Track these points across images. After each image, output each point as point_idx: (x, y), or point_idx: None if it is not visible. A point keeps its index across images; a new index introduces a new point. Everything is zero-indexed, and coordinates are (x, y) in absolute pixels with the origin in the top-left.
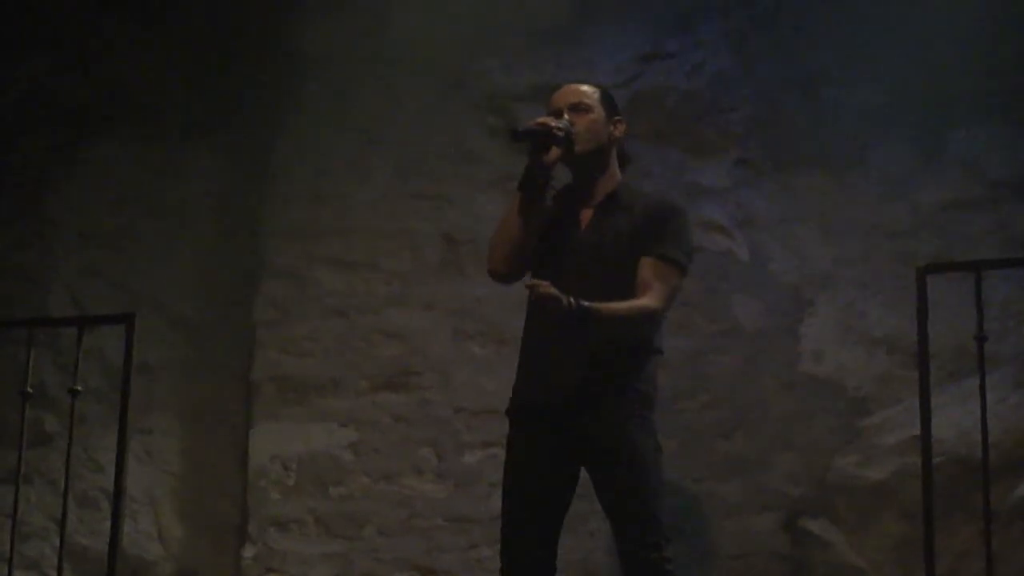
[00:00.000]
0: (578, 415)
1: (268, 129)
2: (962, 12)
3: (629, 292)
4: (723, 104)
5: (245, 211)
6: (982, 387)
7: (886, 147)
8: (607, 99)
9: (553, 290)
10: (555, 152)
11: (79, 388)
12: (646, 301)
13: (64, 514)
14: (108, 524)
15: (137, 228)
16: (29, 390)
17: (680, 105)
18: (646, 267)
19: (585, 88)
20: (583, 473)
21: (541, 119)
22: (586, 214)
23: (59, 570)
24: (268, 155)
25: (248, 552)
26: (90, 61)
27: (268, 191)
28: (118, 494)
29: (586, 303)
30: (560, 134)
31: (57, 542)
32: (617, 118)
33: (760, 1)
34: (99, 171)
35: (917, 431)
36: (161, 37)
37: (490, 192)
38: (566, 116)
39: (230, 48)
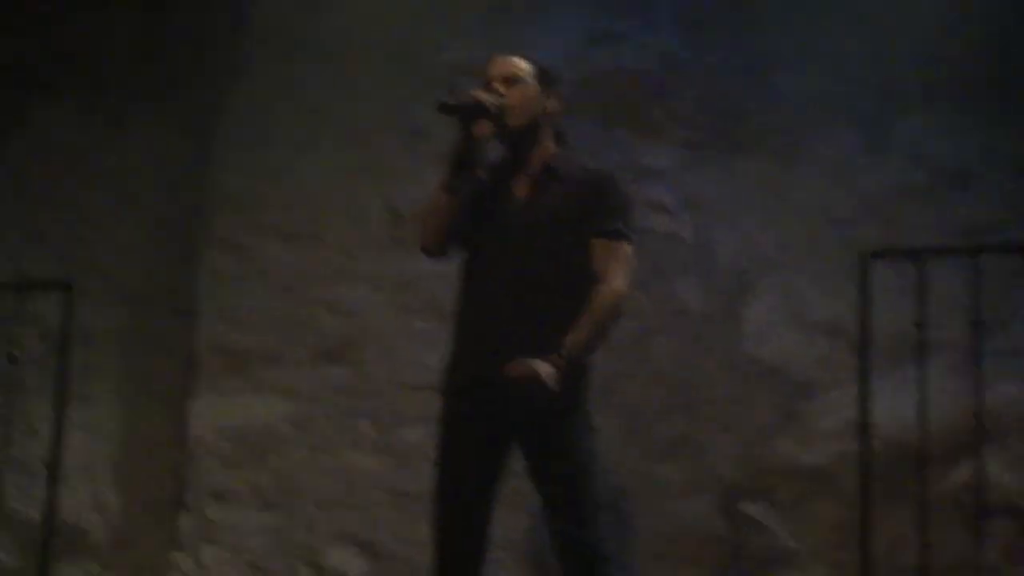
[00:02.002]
0: (509, 391)
1: (215, 99)
2: (909, 1)
3: (564, 264)
4: (671, 86)
5: (190, 181)
6: (922, 374)
7: (832, 133)
8: (541, 73)
9: (531, 371)
10: (485, 126)
11: (16, 353)
12: (609, 290)
13: None
14: (44, 492)
15: (80, 195)
16: None
17: (628, 86)
18: (597, 250)
19: (518, 62)
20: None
21: (471, 92)
22: (520, 187)
23: None
24: (215, 125)
25: (185, 522)
26: (38, 26)
27: (214, 161)
28: (55, 462)
29: (563, 353)
30: (491, 108)
31: None
32: (551, 92)
33: None
34: (43, 137)
35: (856, 416)
36: (108, 3)
37: (437, 167)
38: (498, 88)
39: (177, 16)
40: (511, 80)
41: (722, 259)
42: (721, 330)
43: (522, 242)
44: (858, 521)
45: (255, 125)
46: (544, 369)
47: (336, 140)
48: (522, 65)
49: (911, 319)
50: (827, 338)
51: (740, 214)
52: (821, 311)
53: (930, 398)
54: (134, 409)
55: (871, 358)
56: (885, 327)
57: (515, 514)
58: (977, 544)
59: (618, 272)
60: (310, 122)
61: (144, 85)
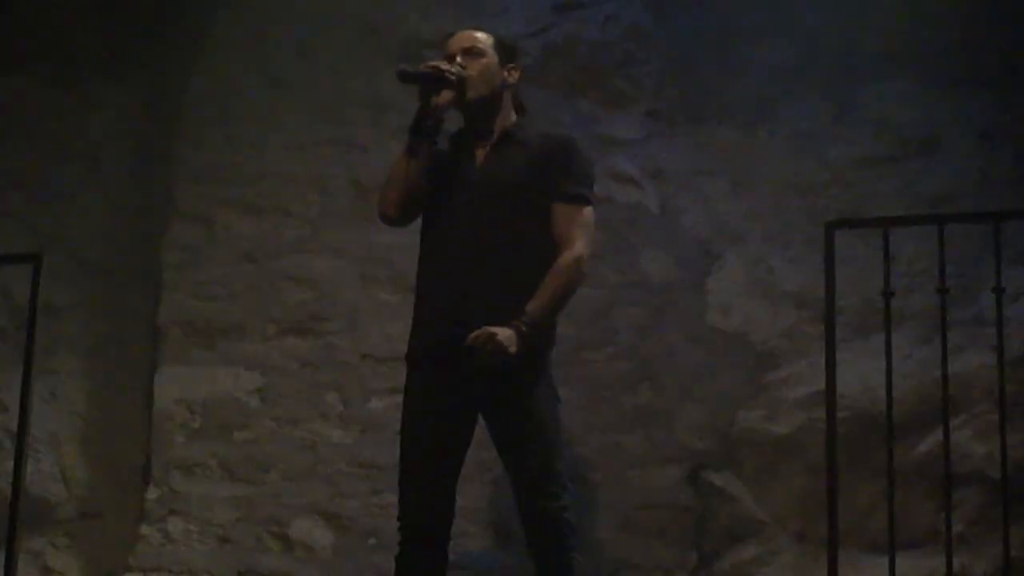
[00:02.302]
0: (473, 360)
1: (180, 71)
2: None
3: (524, 228)
4: (636, 56)
5: (156, 153)
6: (888, 343)
7: (797, 103)
8: (501, 45)
9: (491, 337)
10: (445, 95)
11: None
12: (573, 255)
13: None
14: (11, 464)
15: (47, 168)
16: None
17: (593, 56)
18: (559, 215)
19: (478, 34)
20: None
21: (432, 62)
22: (480, 153)
23: None
24: (180, 98)
25: (151, 494)
26: None
27: (179, 134)
28: (21, 434)
29: (525, 320)
30: (451, 78)
31: None
32: (511, 64)
33: None
34: (8, 109)
35: (822, 386)
36: None
37: (402, 139)
38: (458, 60)
39: None
40: (471, 52)
41: (687, 230)
42: (687, 301)
43: (481, 207)
44: (825, 491)
45: (220, 99)
46: (504, 334)
47: (301, 113)
48: (481, 37)
49: (877, 288)
50: (793, 308)
51: (705, 184)
52: (787, 281)
53: (896, 367)
54: (101, 382)
55: (837, 328)
56: (851, 297)
57: (479, 484)
58: (945, 513)
59: (580, 237)
60: (274, 95)
61: (109, 59)
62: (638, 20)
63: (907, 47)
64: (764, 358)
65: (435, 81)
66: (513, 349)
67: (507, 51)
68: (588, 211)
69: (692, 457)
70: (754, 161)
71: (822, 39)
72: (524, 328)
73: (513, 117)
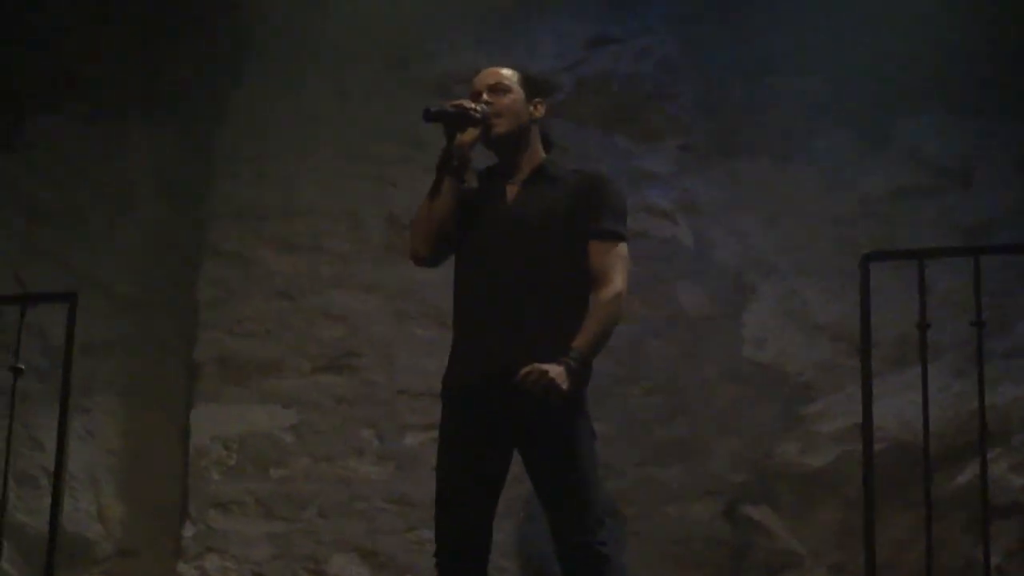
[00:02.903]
0: (511, 395)
1: (213, 109)
2: (908, 1)
3: (557, 265)
4: (668, 90)
5: (189, 191)
6: (924, 375)
7: (830, 135)
8: (527, 81)
9: (546, 375)
10: (471, 133)
11: (21, 366)
12: (613, 291)
13: (4, 492)
14: (48, 502)
15: (81, 206)
16: None
17: (625, 90)
18: (595, 252)
19: (504, 71)
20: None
21: (456, 100)
22: (512, 190)
23: None
24: (213, 135)
25: (188, 532)
26: (36, 39)
27: (212, 171)
28: (58, 473)
29: (574, 356)
30: (476, 115)
31: None
32: (537, 100)
33: None
34: (43, 149)
35: (858, 419)
36: (107, 14)
37: (434, 175)
38: (484, 97)
39: (176, 26)
40: (497, 88)
41: (721, 262)
42: (721, 334)
43: (515, 244)
44: (862, 524)
45: (253, 135)
46: (555, 371)
47: (334, 149)
48: (507, 73)
49: (912, 320)
50: (828, 341)
51: (739, 217)
52: (821, 313)
53: (933, 399)
54: (137, 420)
55: (873, 360)
56: (886, 329)
57: (515, 520)
58: (982, 546)
59: (618, 273)
60: (308, 131)
61: (143, 96)
62: (670, 54)
63: (940, 79)
64: (800, 391)
65: (459, 119)
66: (565, 386)
67: (533, 86)
68: (623, 247)
69: (728, 491)
70: (788, 194)
71: (855, 71)
72: (573, 364)
73: (542, 153)
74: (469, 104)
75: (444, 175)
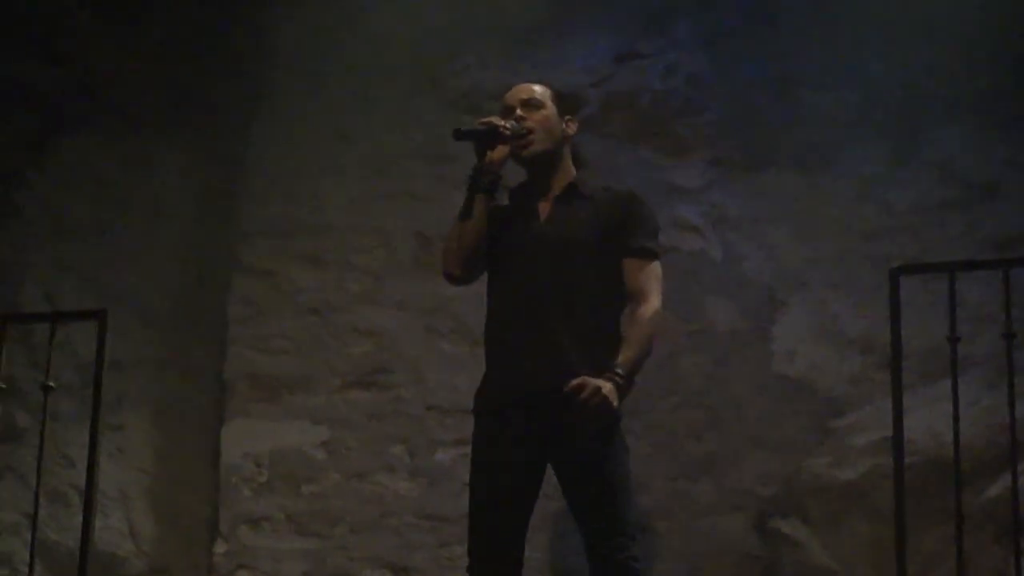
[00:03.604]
0: (544, 412)
1: (242, 126)
2: (935, 15)
3: (590, 283)
4: (697, 104)
5: (219, 208)
6: (954, 388)
7: (858, 149)
8: (559, 97)
9: (599, 392)
10: (501, 150)
11: (52, 384)
12: (651, 309)
13: (36, 510)
14: (79, 520)
15: (110, 223)
16: (1, 385)
17: (654, 105)
18: (630, 270)
19: (536, 87)
20: (549, 470)
21: (487, 118)
22: (544, 207)
23: (31, 566)
24: (242, 152)
25: (220, 549)
26: (64, 55)
27: (242, 188)
28: (89, 490)
29: (619, 373)
30: (506, 132)
31: (29, 538)
32: (568, 117)
33: (734, 2)
34: (73, 166)
35: (889, 432)
36: (135, 32)
37: (463, 191)
38: (518, 112)
39: (205, 43)
40: (530, 104)
41: (751, 276)
42: (751, 348)
43: (548, 262)
44: (893, 537)
45: (282, 152)
46: (606, 387)
47: (362, 166)
48: (539, 89)
49: (942, 333)
50: (858, 354)
51: (768, 231)
52: (851, 327)
53: (963, 412)
54: (167, 437)
55: (903, 374)
56: (916, 342)
57: (547, 535)
58: (1014, 559)
59: (655, 291)
60: (336, 149)
61: (172, 114)
62: (698, 69)
63: (968, 91)
64: (830, 404)
65: (489, 137)
66: (616, 403)
67: (565, 103)
68: (657, 264)
69: (759, 504)
70: (816, 207)
71: (883, 85)
72: (621, 380)
73: (573, 170)
74: (499, 121)
75: (475, 194)
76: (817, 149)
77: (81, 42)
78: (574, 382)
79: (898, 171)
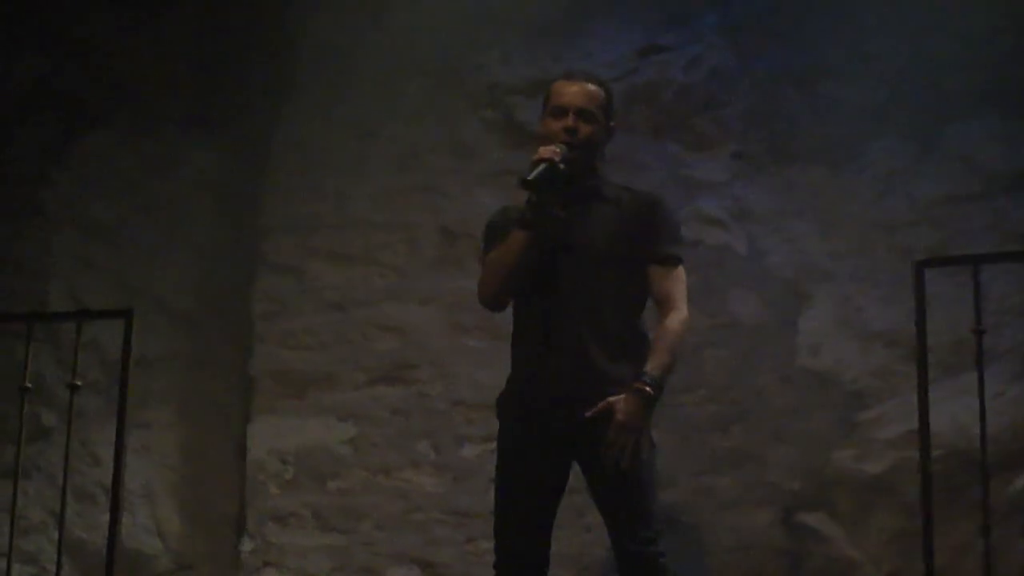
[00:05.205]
0: (571, 409)
1: (265, 123)
2: (959, 6)
3: (615, 285)
4: (720, 98)
5: (243, 205)
6: (980, 381)
7: (883, 141)
8: (609, 102)
9: (630, 440)
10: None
11: (78, 383)
12: (679, 317)
13: (63, 508)
14: (106, 518)
15: (135, 222)
16: (28, 385)
17: (677, 99)
18: (656, 276)
19: (593, 89)
20: (575, 465)
21: (542, 155)
22: (569, 210)
23: (58, 564)
24: (266, 149)
25: (246, 546)
26: (87, 55)
27: (265, 185)
28: (116, 488)
29: (648, 382)
30: (563, 167)
31: (56, 536)
32: (612, 123)
33: None
34: (96, 165)
35: (915, 425)
36: (158, 30)
37: (487, 186)
38: (570, 120)
39: (227, 41)
40: (584, 115)
41: (775, 270)
42: (776, 341)
43: (573, 266)
44: (920, 530)
45: (305, 148)
46: (631, 407)
47: (386, 161)
48: (596, 99)
49: (967, 326)
50: (883, 347)
51: (792, 224)
52: (876, 320)
53: (989, 405)
54: (193, 434)
55: (928, 366)
56: (941, 335)
57: (573, 530)
58: None
59: (681, 297)
60: (359, 144)
61: (194, 111)
62: (722, 62)
63: (993, 84)
64: (855, 398)
65: (551, 177)
66: (640, 424)
67: (612, 106)
68: (682, 270)
69: (785, 498)
70: (841, 200)
71: (907, 78)
72: (650, 391)
73: (598, 167)
74: (554, 156)
75: (533, 233)
76: (841, 142)
77: (104, 42)
78: (600, 404)
79: (922, 164)
